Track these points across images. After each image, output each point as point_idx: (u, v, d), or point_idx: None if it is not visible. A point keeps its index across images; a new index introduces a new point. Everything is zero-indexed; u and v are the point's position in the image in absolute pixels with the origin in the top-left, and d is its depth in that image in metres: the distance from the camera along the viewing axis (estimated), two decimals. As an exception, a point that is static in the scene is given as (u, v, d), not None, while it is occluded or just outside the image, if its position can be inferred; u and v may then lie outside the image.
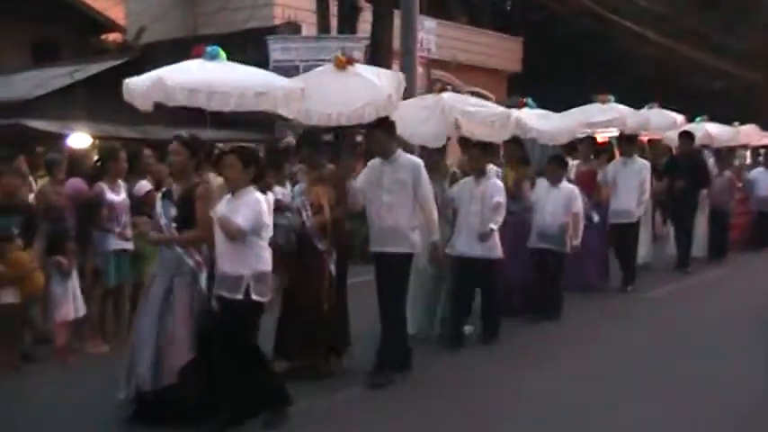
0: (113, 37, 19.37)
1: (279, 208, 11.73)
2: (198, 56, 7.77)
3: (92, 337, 8.94)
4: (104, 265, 8.95)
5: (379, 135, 8.06)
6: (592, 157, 13.32)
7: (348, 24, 19.42)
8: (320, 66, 17.76)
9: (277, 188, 12.04)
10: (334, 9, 19.66)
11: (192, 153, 6.88)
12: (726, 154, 17.75)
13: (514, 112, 11.43)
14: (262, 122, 16.35)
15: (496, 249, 9.21)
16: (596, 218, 12.32)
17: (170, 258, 6.75)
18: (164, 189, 7.34)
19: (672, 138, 16.44)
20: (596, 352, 9.15)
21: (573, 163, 12.91)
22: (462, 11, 30.92)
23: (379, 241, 8.03)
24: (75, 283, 8.61)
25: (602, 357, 8.91)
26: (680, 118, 16.19)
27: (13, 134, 14.58)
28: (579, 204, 10.78)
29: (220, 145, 14.68)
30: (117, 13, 21.18)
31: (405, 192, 7.93)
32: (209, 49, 7.75)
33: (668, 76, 27.92)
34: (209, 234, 6.51)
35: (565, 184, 10.85)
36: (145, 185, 9.45)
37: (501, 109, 10.29)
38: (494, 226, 9.04)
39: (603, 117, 13.19)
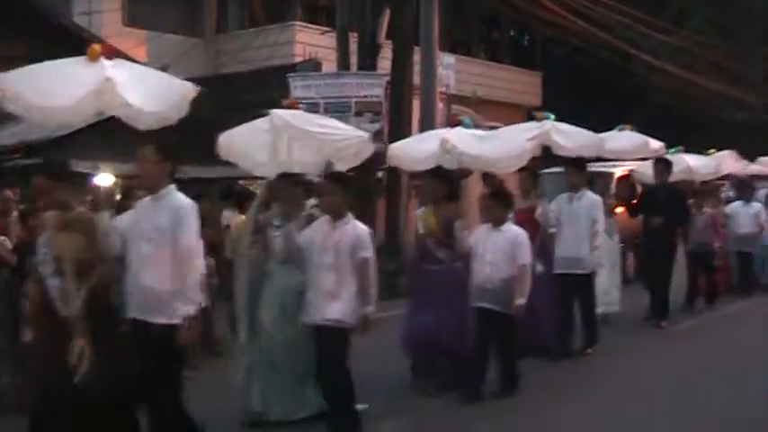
0: (136, 76, 19.52)
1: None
2: None
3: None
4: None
5: (147, 153, 6.19)
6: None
7: (368, 61, 19.54)
8: (342, 102, 18.36)
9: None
10: (354, 46, 19.79)
11: None
12: (702, 187, 15.33)
13: (442, 133, 10.32)
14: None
15: (354, 316, 7.09)
16: (539, 267, 10.08)
17: None
18: None
19: (642, 171, 14.68)
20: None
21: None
22: (481, 46, 31.09)
23: (135, 305, 6.11)
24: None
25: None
26: (656, 144, 13.96)
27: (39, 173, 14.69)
28: (527, 253, 8.56)
29: (242, 182, 14.88)
30: (140, 53, 21.35)
31: (165, 242, 6.03)
32: None
33: (690, 107, 27.92)
34: None
35: (509, 227, 8.70)
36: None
37: (357, 132, 8.96)
38: (370, 308, 7.01)
39: (530, 134, 11.07)
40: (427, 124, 16.85)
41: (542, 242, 10.49)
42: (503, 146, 10.41)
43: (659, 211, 12.68)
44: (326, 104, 18.51)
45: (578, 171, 10.91)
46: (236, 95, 18.46)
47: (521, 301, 8.36)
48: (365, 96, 18.65)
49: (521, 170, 10.88)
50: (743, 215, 15.83)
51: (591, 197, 10.82)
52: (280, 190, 8.06)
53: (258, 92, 19.16)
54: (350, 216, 7.23)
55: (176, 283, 6.00)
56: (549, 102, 28.59)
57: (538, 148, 10.98)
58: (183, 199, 6.24)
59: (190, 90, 6.89)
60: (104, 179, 14.80)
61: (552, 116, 11.45)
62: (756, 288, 15.90)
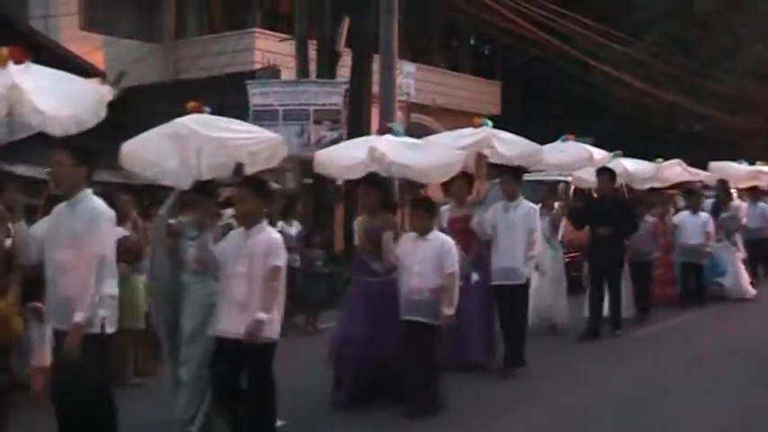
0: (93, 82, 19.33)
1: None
2: None
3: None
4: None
5: (59, 158, 6.10)
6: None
7: (327, 69, 19.51)
8: (301, 109, 18.26)
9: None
10: (313, 54, 19.74)
11: None
12: (645, 195, 15.18)
13: (371, 140, 9.88)
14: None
15: (271, 327, 6.71)
16: (475, 277, 9.99)
17: None
18: None
19: (581, 177, 14.65)
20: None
21: (444, 207, 10.58)
22: (442, 55, 31.18)
23: (53, 314, 6.09)
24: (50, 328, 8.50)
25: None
26: (600, 155, 13.68)
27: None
28: (454, 261, 8.25)
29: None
30: (97, 58, 21.16)
31: (80, 249, 5.93)
32: None
33: (647, 118, 28.16)
34: None
35: (436, 235, 8.35)
36: (120, 231, 9.36)
37: (270, 135, 8.44)
38: (263, 315, 6.57)
39: (468, 141, 10.78)
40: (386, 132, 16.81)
41: (479, 252, 10.28)
42: (434, 154, 9.99)
43: (605, 221, 12.45)
44: (285, 112, 18.46)
45: (515, 179, 10.56)
46: (192, 101, 18.31)
47: (449, 311, 8.07)
48: (324, 104, 18.60)
49: (457, 177, 10.40)
50: (691, 225, 15.45)
51: (527, 206, 10.42)
52: (192, 200, 7.74)
53: (216, 98, 19.03)
54: (264, 223, 6.95)
55: (87, 290, 5.87)
56: (509, 111, 28.81)
57: (472, 155, 10.68)
58: (98, 204, 6.13)
59: (106, 93, 6.64)
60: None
61: (490, 122, 11.18)
62: (702, 300, 15.49)
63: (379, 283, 8.54)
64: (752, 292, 16.70)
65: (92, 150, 6.25)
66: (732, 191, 18.27)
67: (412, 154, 9.56)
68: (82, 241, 5.93)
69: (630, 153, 15.89)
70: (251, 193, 6.90)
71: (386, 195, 8.86)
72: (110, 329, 6.05)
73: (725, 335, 12.95)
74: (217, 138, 7.72)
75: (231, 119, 8.43)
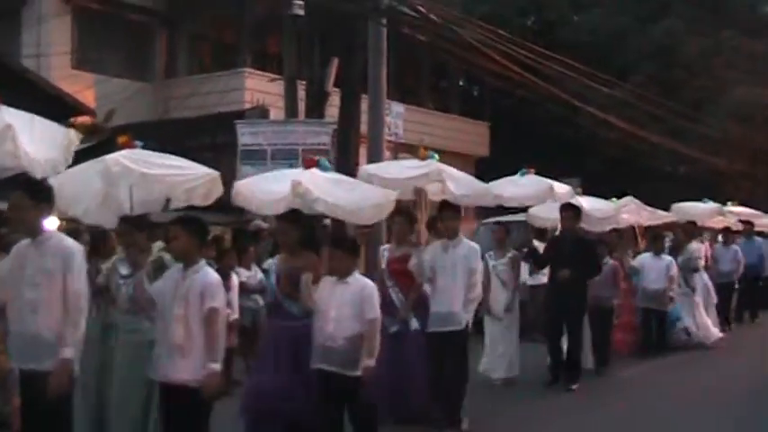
0: (82, 119, 19.43)
1: (245, 290, 11.80)
2: None
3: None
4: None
5: (17, 200, 6.02)
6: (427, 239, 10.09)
7: (316, 109, 19.64)
8: (289, 149, 18.36)
9: (242, 270, 12.14)
10: (302, 94, 19.88)
11: None
12: (606, 236, 13.88)
13: (295, 174, 9.21)
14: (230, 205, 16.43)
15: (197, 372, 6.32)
16: (415, 324, 9.35)
17: None
18: None
19: (535, 215, 13.74)
20: None
21: (384, 247, 10.16)
22: (431, 96, 31.41)
23: (21, 353, 6.03)
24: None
25: None
26: (561, 188, 12.76)
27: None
28: (375, 306, 7.59)
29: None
30: (88, 96, 21.31)
31: (52, 287, 5.89)
32: None
33: (633, 159, 28.33)
34: None
35: (356, 278, 7.66)
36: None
37: (206, 170, 8.05)
38: (215, 366, 6.27)
39: (414, 172, 10.28)
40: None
41: (419, 296, 9.55)
42: (363, 194, 9.30)
43: (566, 262, 11.65)
44: (274, 151, 18.59)
45: (456, 216, 9.70)
46: (182, 140, 18.40)
47: (369, 361, 7.42)
48: (312, 144, 18.69)
49: (395, 215, 9.76)
50: (652, 268, 14.41)
51: (468, 245, 9.57)
52: (122, 235, 7.59)
53: (206, 137, 19.16)
54: (202, 263, 6.58)
55: (63, 327, 5.86)
56: (497, 152, 29.01)
57: (409, 192, 10.30)
58: (69, 242, 6.12)
59: (73, 137, 6.66)
60: (47, 223, 14.61)
61: (437, 156, 10.61)
62: (664, 348, 14.42)
63: (293, 328, 7.79)
64: (716, 336, 15.82)
65: (48, 188, 6.23)
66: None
67: (339, 192, 9.00)
68: (56, 279, 5.90)
69: (617, 194, 15.96)
70: (184, 231, 6.56)
71: (308, 233, 8.18)
72: (77, 367, 6.04)
73: (688, 384, 12.32)
74: (151, 174, 7.65)
75: (166, 154, 8.30)
